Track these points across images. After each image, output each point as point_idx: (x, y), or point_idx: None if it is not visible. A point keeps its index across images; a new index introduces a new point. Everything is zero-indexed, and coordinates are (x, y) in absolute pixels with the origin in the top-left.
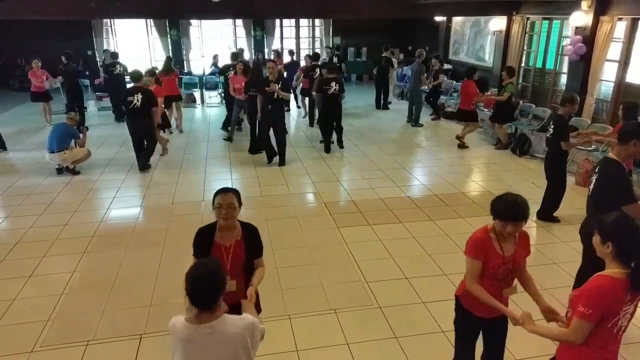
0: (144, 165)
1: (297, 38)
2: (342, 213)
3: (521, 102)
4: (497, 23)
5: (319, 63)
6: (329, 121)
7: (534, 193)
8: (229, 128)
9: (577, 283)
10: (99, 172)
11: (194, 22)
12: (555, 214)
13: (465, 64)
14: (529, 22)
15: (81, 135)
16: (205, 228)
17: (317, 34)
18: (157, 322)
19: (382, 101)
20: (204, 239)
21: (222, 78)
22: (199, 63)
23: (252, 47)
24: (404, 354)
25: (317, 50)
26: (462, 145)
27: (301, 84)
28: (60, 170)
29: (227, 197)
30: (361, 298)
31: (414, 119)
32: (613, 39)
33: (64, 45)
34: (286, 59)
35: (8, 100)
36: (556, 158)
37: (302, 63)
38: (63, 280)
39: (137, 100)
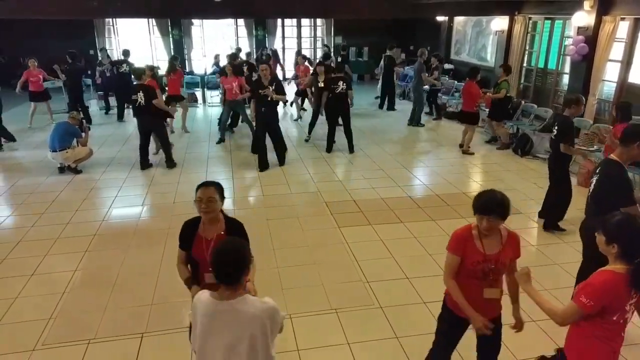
0: (168, 162)
1: (298, 38)
2: (343, 213)
3: (523, 102)
4: (499, 23)
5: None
6: (334, 120)
7: (535, 193)
8: (219, 129)
9: (578, 281)
10: (101, 171)
11: (195, 21)
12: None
13: (467, 64)
14: (531, 22)
15: (83, 134)
16: (191, 221)
17: (319, 33)
18: (158, 321)
19: (386, 102)
20: (188, 231)
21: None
22: (200, 62)
23: (254, 46)
24: (404, 353)
25: (319, 50)
26: (467, 152)
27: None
28: (62, 169)
29: (208, 191)
30: (362, 298)
31: (415, 119)
32: (615, 39)
33: (66, 44)
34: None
35: (10, 99)
36: (560, 160)
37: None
38: (65, 279)
39: (141, 98)
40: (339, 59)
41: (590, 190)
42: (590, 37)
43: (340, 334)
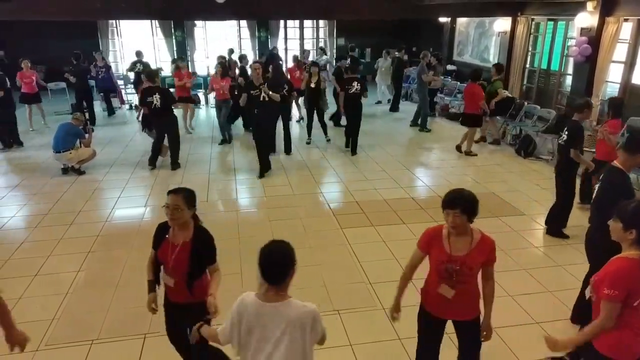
0: (176, 165)
1: (301, 39)
2: (345, 214)
3: (526, 103)
4: (502, 24)
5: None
6: (352, 121)
7: (538, 194)
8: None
9: (584, 288)
10: (104, 172)
11: (198, 23)
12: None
13: (469, 65)
14: (533, 23)
15: (87, 135)
16: (164, 223)
17: (321, 34)
18: (161, 322)
19: (395, 102)
20: (160, 233)
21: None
22: (203, 64)
23: (257, 48)
24: (407, 355)
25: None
26: (469, 153)
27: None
28: (65, 170)
29: (174, 199)
30: (365, 299)
31: (420, 124)
32: (619, 40)
33: (68, 45)
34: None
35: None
36: (567, 166)
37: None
38: (68, 280)
39: (157, 100)
40: (349, 60)
41: (593, 197)
42: (593, 38)
43: (342, 335)
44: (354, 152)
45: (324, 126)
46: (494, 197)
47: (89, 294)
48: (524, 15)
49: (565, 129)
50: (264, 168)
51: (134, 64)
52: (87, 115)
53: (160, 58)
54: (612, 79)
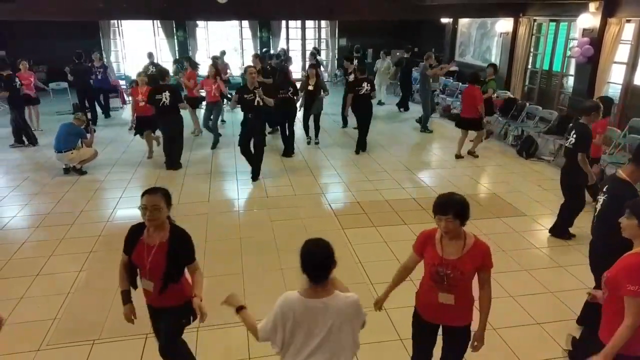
0: (172, 164)
1: (302, 39)
2: (347, 214)
3: (528, 104)
4: (504, 25)
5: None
6: (361, 122)
7: (540, 195)
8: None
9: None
10: (106, 172)
11: (200, 23)
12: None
13: (471, 66)
14: (535, 24)
15: (88, 135)
16: (137, 226)
17: (323, 35)
18: None
19: (403, 102)
20: (133, 236)
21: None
22: (205, 64)
23: (258, 48)
24: (408, 356)
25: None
26: (472, 153)
27: None
28: (67, 170)
29: (153, 199)
30: (366, 299)
31: (421, 125)
32: (621, 41)
33: (70, 45)
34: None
35: None
36: (574, 170)
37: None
38: (69, 280)
39: (166, 98)
40: (355, 62)
41: (598, 209)
42: (596, 39)
43: None
44: (361, 150)
45: (317, 128)
46: (496, 197)
47: (90, 294)
48: (526, 16)
49: (573, 132)
50: (258, 172)
51: (147, 66)
52: (89, 115)
53: (162, 58)
54: (614, 80)
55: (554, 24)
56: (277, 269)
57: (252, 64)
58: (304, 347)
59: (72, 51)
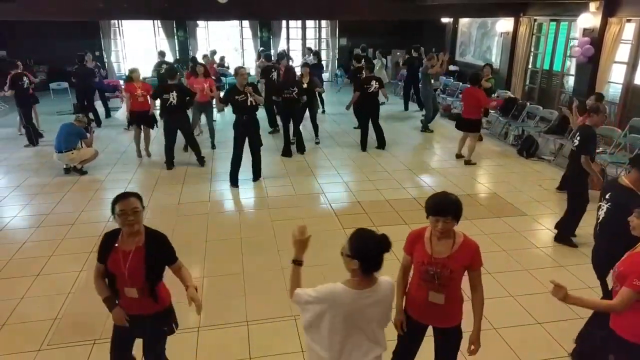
0: (201, 161)
1: (303, 39)
2: (347, 214)
3: (528, 104)
4: (504, 24)
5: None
6: (365, 120)
7: (540, 195)
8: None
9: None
10: (106, 172)
11: (200, 23)
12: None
13: (472, 66)
14: (536, 23)
15: (88, 134)
16: (111, 233)
17: (323, 35)
18: None
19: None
20: (108, 243)
21: (262, 80)
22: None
23: (259, 48)
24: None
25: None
26: (469, 162)
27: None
28: (67, 170)
29: (130, 202)
30: None
31: (423, 124)
32: (621, 41)
33: (70, 45)
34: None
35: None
36: (578, 172)
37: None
38: (70, 279)
39: (173, 98)
40: (362, 61)
41: (601, 218)
42: (596, 39)
43: None
44: (381, 147)
45: (315, 128)
46: (496, 197)
47: (91, 293)
48: (526, 15)
49: (577, 134)
50: (259, 173)
51: (158, 64)
52: (91, 116)
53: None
54: (614, 80)
55: (555, 23)
56: (278, 269)
57: (243, 66)
58: (350, 335)
59: (72, 51)
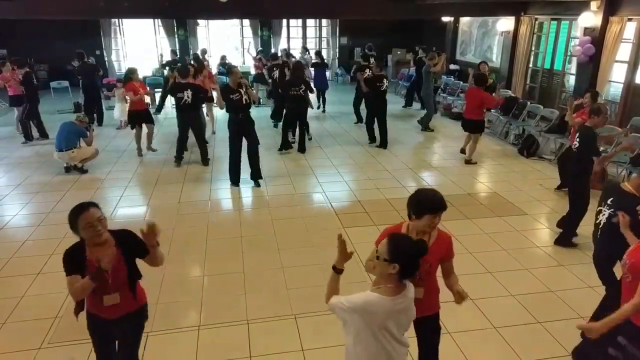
0: (205, 161)
1: (304, 38)
2: (348, 213)
3: (529, 103)
4: (505, 24)
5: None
6: (372, 119)
7: (541, 194)
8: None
9: (602, 310)
10: (106, 170)
11: (201, 22)
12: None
13: (473, 65)
14: (537, 22)
15: (88, 133)
16: (73, 248)
17: (324, 34)
18: (163, 321)
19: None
20: (75, 259)
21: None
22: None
23: (259, 47)
24: (409, 355)
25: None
26: (469, 162)
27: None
28: (68, 169)
29: (92, 213)
30: None
31: (423, 124)
32: (622, 40)
33: (71, 44)
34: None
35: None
36: (579, 173)
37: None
38: None
39: (188, 97)
40: (372, 59)
41: (602, 222)
42: (597, 38)
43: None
44: (384, 145)
45: (306, 125)
46: (497, 196)
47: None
48: (527, 14)
49: (578, 135)
50: (259, 174)
51: (170, 62)
52: (95, 115)
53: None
54: (615, 79)
55: (555, 22)
56: (278, 267)
57: (236, 65)
58: (392, 339)
59: (72, 50)
